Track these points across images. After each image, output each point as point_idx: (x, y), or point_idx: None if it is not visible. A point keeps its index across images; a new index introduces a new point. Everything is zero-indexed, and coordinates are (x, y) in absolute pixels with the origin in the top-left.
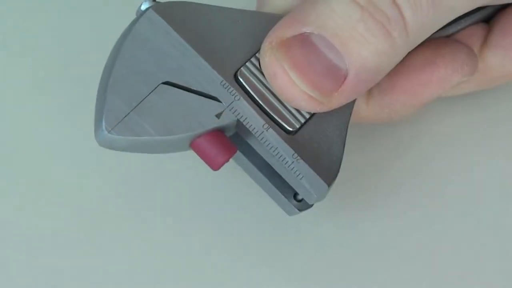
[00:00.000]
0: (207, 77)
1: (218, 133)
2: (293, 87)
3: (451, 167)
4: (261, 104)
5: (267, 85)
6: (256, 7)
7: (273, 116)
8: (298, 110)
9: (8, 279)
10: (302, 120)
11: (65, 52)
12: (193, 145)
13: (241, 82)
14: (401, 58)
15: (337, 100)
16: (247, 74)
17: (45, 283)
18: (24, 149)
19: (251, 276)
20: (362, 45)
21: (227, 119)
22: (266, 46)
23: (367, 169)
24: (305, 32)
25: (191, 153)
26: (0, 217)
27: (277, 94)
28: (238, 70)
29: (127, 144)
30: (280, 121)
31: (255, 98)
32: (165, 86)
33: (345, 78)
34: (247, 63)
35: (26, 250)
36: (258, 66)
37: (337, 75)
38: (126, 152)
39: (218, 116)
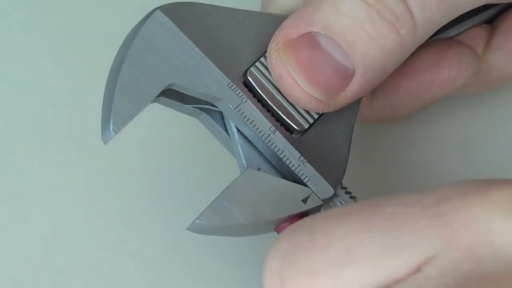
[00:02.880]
0: (214, 79)
1: (304, 217)
2: (299, 89)
3: (454, 167)
4: (269, 104)
5: (276, 85)
6: (261, 7)
7: (281, 116)
8: (307, 111)
9: (8, 278)
10: (311, 120)
11: (69, 49)
12: (278, 229)
13: (250, 82)
14: (408, 55)
15: (343, 100)
16: (257, 74)
17: (45, 282)
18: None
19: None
20: (369, 44)
21: (313, 204)
22: (272, 47)
23: (369, 169)
24: (311, 32)
25: (201, 154)
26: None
27: (285, 95)
28: (246, 70)
29: (214, 228)
30: (288, 121)
31: (263, 98)
32: (252, 170)
33: (351, 77)
34: (256, 63)
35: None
36: (267, 65)
37: (343, 75)
38: (209, 235)
39: (304, 201)
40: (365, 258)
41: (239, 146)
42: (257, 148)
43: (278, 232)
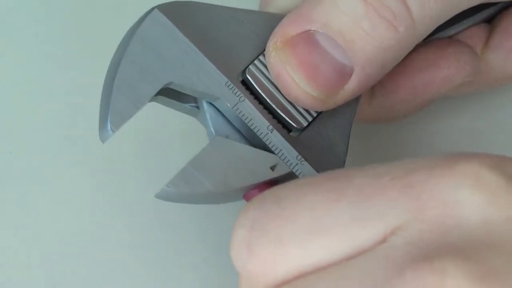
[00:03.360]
0: (212, 78)
1: (272, 184)
2: (297, 88)
3: None
4: (268, 102)
5: (275, 83)
6: (259, 7)
7: (279, 114)
8: (305, 109)
9: (7, 278)
10: (310, 119)
11: (67, 51)
12: (247, 197)
13: (249, 80)
14: (407, 52)
15: (342, 98)
16: (255, 72)
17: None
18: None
19: None
20: (368, 42)
21: (281, 171)
22: (271, 46)
23: None
24: (309, 30)
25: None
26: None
27: (283, 93)
28: (245, 69)
29: (183, 196)
30: (287, 119)
31: (262, 96)
32: (221, 138)
33: (350, 75)
34: (255, 61)
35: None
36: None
37: (342, 73)
38: (179, 203)
39: (272, 168)
40: (333, 227)
41: (207, 115)
42: (226, 117)
43: (247, 200)
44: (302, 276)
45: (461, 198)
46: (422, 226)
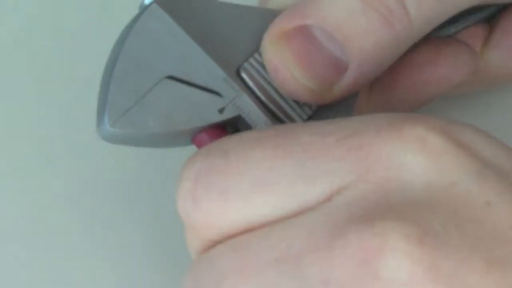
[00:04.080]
0: (210, 72)
1: (220, 128)
2: (294, 81)
3: None
4: (263, 100)
5: (270, 81)
6: (258, 3)
7: (275, 112)
8: (301, 107)
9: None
10: (305, 117)
11: (65, 48)
12: (194, 139)
13: (244, 78)
14: (404, 50)
15: (338, 93)
16: (250, 70)
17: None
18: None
19: None
20: (364, 38)
21: (229, 114)
22: (267, 40)
23: None
24: (306, 24)
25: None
26: None
27: (279, 88)
28: (243, 64)
29: (128, 138)
30: (283, 117)
31: (257, 94)
32: (168, 80)
33: (346, 70)
34: (250, 59)
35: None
36: (261, 61)
37: (338, 67)
38: (128, 145)
39: (220, 111)
40: (278, 184)
41: None
42: None
43: (196, 144)
44: (246, 231)
45: (406, 161)
46: (367, 187)
